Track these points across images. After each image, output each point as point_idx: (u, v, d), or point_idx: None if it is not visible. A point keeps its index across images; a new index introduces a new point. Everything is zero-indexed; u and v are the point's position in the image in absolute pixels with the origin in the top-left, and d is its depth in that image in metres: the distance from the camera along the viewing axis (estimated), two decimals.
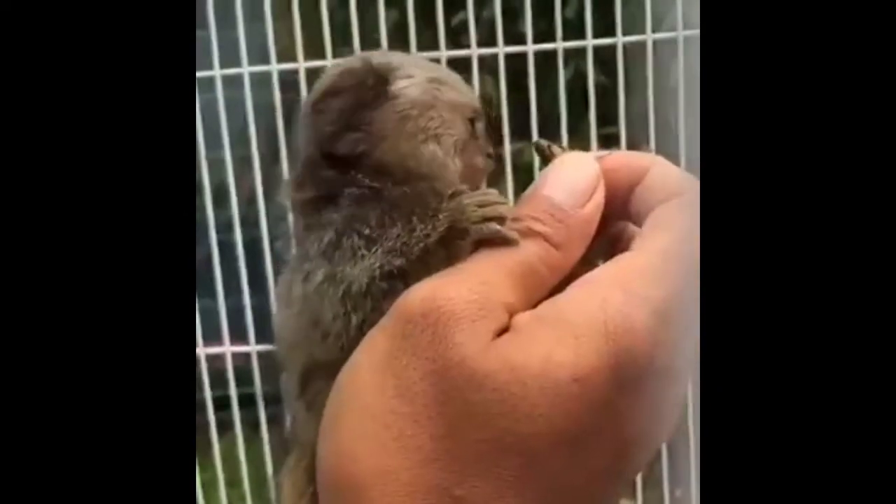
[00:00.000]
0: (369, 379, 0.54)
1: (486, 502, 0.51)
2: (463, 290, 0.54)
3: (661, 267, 0.54)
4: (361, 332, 0.58)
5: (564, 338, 0.51)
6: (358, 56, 0.66)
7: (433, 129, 0.61)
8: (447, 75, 0.65)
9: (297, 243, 0.64)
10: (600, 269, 0.55)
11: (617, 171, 0.60)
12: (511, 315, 0.54)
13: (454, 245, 0.57)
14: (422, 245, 0.57)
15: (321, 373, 0.61)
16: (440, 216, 0.57)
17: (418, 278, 0.57)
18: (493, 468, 0.51)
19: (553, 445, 0.51)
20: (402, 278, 0.58)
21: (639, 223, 0.59)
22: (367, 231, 0.59)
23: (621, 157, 0.62)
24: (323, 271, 0.60)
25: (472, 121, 0.64)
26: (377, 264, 0.58)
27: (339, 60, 0.68)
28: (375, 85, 0.62)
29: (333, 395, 0.57)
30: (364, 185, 0.60)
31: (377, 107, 0.61)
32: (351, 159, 0.61)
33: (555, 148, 0.63)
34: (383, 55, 0.67)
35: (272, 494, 1.79)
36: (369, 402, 0.53)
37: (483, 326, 0.53)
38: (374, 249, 0.58)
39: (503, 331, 0.53)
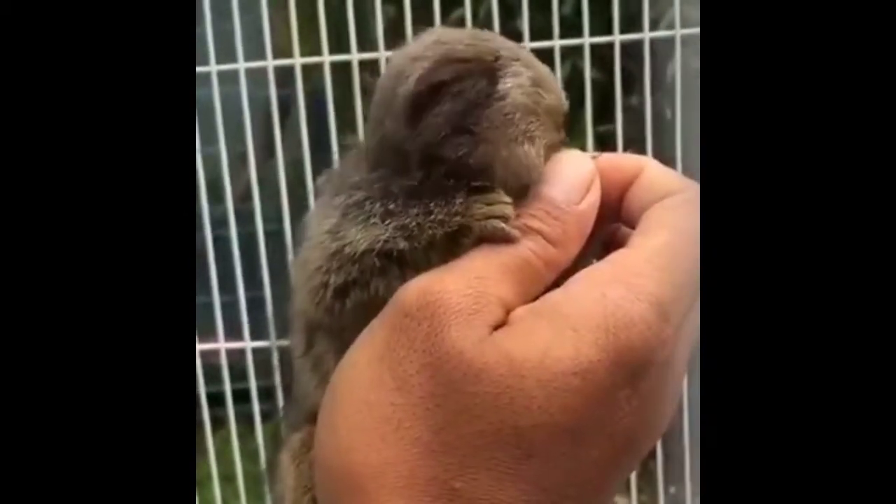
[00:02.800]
0: (367, 372, 0.54)
1: (485, 494, 0.51)
2: (459, 283, 0.54)
3: (660, 262, 0.54)
4: (338, 297, 0.58)
5: (563, 331, 0.52)
6: (464, 38, 0.63)
7: (531, 132, 0.60)
8: (546, 75, 0.64)
9: (335, 188, 0.63)
10: (598, 264, 0.56)
11: (609, 173, 0.60)
12: (507, 310, 0.55)
13: (457, 241, 0.57)
14: (430, 233, 0.57)
15: (321, 334, 0.61)
16: (457, 211, 0.57)
17: (415, 268, 0.57)
18: (491, 460, 0.51)
19: (552, 438, 0.51)
20: (398, 263, 0.58)
21: (632, 224, 0.59)
22: (391, 206, 0.59)
23: (613, 159, 0.62)
24: (332, 222, 0.60)
25: (561, 125, 0.64)
26: (382, 237, 0.58)
27: (440, 34, 0.64)
28: (487, 85, 0.60)
29: (331, 387, 0.57)
30: (435, 179, 0.59)
31: (485, 108, 0.59)
32: (446, 159, 0.59)
33: None
34: (487, 39, 0.63)
35: (266, 489, 1.80)
36: (367, 395, 0.54)
37: (479, 320, 0.53)
38: (387, 222, 0.58)
39: (499, 325, 0.54)
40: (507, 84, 0.60)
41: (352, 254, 0.58)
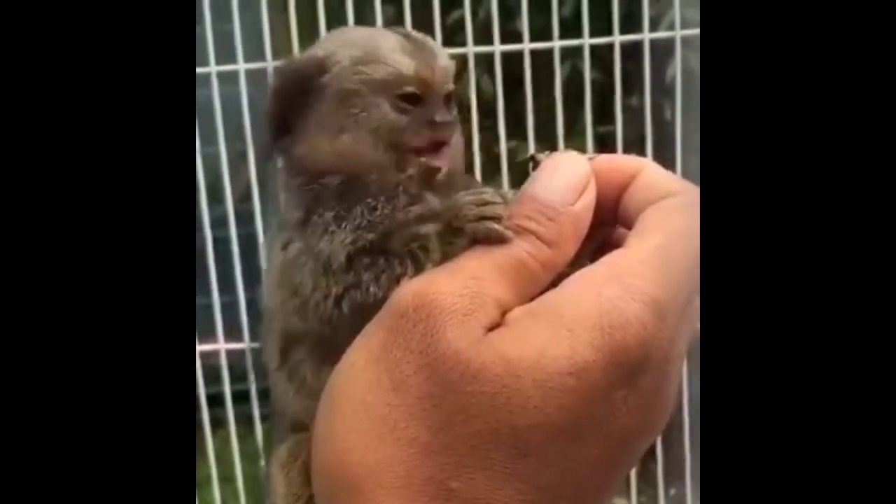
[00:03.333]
0: (364, 373, 0.54)
1: (482, 494, 0.51)
2: (454, 284, 0.54)
3: (656, 263, 0.54)
4: (339, 304, 0.58)
5: (559, 331, 0.52)
6: (321, 40, 0.67)
7: (352, 117, 0.62)
8: (378, 47, 0.63)
9: (281, 208, 0.65)
10: (594, 265, 0.56)
11: (606, 174, 0.60)
12: (503, 311, 0.55)
13: (450, 242, 0.57)
14: (386, 222, 0.59)
15: (301, 343, 0.61)
16: (402, 195, 0.59)
17: (399, 255, 0.58)
18: (488, 460, 0.51)
19: (549, 437, 0.51)
20: (381, 253, 0.59)
21: (629, 225, 0.59)
22: (331, 212, 0.61)
23: (610, 160, 0.62)
24: (298, 245, 0.61)
25: (410, 95, 0.63)
26: (348, 239, 0.59)
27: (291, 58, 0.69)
28: (311, 82, 0.62)
29: (328, 389, 0.57)
30: (307, 183, 0.62)
31: (313, 103, 0.62)
32: (286, 160, 0.63)
33: (540, 155, 0.62)
34: (324, 41, 0.66)
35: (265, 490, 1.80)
36: (364, 396, 0.54)
37: (475, 320, 0.53)
38: (343, 226, 0.60)
39: (495, 326, 0.54)
40: (331, 72, 0.62)
41: (340, 264, 0.60)
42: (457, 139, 0.66)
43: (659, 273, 0.53)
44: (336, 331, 0.59)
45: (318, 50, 0.64)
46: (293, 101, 0.62)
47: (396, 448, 0.52)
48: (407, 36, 0.65)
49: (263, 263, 0.67)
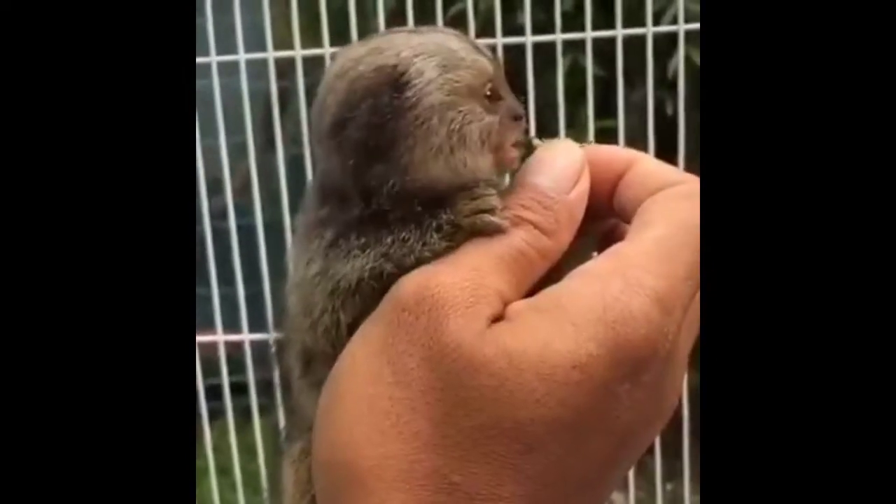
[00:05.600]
0: (365, 367, 0.54)
1: (484, 488, 0.51)
2: (456, 276, 0.54)
3: (658, 255, 0.54)
4: (351, 332, 0.57)
5: (562, 325, 0.51)
6: (364, 52, 0.60)
7: (457, 130, 0.58)
8: (455, 51, 0.60)
9: (306, 226, 0.63)
10: (597, 259, 0.55)
11: (598, 165, 0.60)
12: (504, 302, 0.54)
13: (450, 241, 0.57)
14: (414, 256, 0.57)
15: (320, 361, 0.60)
16: (435, 230, 0.57)
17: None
18: (491, 454, 0.51)
19: (552, 432, 0.51)
20: (396, 280, 0.58)
21: (625, 217, 0.59)
22: (363, 239, 0.58)
23: (602, 151, 0.61)
24: (318, 265, 0.59)
25: (490, 93, 0.60)
26: (368, 265, 0.58)
27: (342, 58, 0.61)
28: (391, 96, 0.57)
29: (328, 384, 0.57)
30: (381, 209, 0.58)
31: (398, 121, 0.57)
32: (377, 188, 0.58)
33: (536, 141, 0.62)
34: (386, 44, 0.60)
35: (263, 483, 1.80)
36: (366, 390, 0.53)
37: (477, 312, 0.53)
38: (367, 252, 0.58)
39: (497, 317, 0.53)
40: (415, 85, 0.58)
41: (348, 287, 0.58)
42: None
43: (663, 265, 0.53)
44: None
45: (377, 60, 0.59)
46: (375, 121, 0.57)
47: (398, 442, 0.52)
48: (457, 35, 0.62)
49: (290, 265, 0.64)
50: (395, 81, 0.58)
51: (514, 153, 0.61)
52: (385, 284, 0.56)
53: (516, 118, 0.61)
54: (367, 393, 0.53)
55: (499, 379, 0.50)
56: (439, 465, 0.51)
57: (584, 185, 0.58)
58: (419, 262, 0.56)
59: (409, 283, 0.54)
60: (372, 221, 0.58)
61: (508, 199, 0.57)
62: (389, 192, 0.58)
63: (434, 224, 0.57)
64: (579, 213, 0.58)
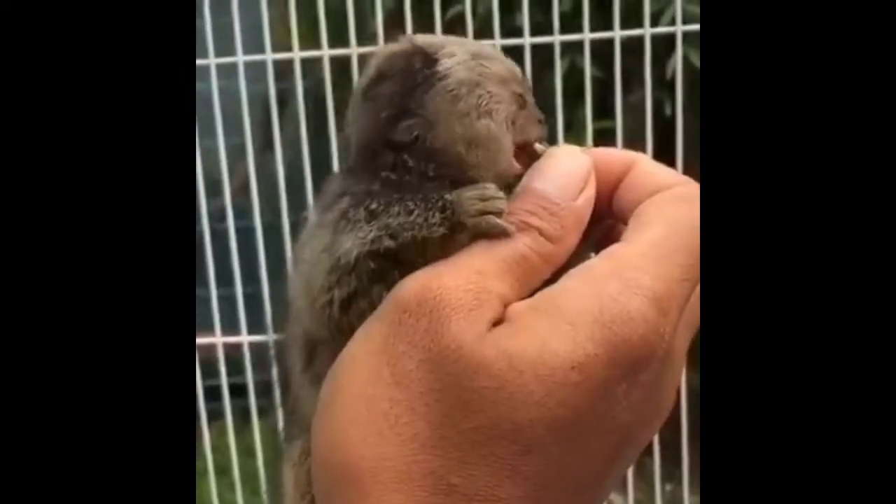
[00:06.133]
0: (365, 367, 0.54)
1: (483, 489, 0.51)
2: (459, 279, 0.54)
3: (655, 257, 0.54)
4: (345, 311, 0.57)
5: (560, 326, 0.51)
6: (404, 38, 0.64)
7: (484, 105, 0.60)
8: (489, 50, 0.64)
9: (322, 207, 0.63)
10: (593, 260, 0.55)
11: (599, 168, 0.60)
12: (505, 306, 0.54)
13: (452, 238, 0.57)
14: (412, 233, 0.57)
15: (323, 350, 0.60)
16: (439, 209, 0.57)
17: (412, 266, 0.56)
18: (489, 456, 0.51)
19: (550, 433, 0.51)
20: (393, 263, 0.57)
21: (623, 219, 0.59)
22: (373, 206, 0.59)
23: (603, 154, 0.62)
24: (326, 240, 0.60)
25: (520, 94, 0.63)
26: (368, 238, 0.58)
27: (386, 46, 0.66)
28: (423, 66, 0.60)
29: (327, 383, 0.56)
30: (410, 169, 0.59)
31: (428, 89, 0.60)
32: (406, 144, 0.59)
33: (539, 147, 0.62)
34: (425, 37, 0.64)
35: (262, 483, 1.80)
36: (364, 390, 0.53)
37: (479, 315, 0.53)
38: (371, 223, 0.58)
39: (498, 321, 0.53)
40: (446, 63, 0.61)
41: (347, 263, 0.58)
42: None
43: (660, 267, 0.53)
44: (345, 339, 0.58)
45: (413, 45, 0.63)
46: (407, 84, 0.60)
47: (397, 443, 0.52)
48: (480, 43, 0.66)
49: (299, 252, 0.64)
50: (428, 56, 0.61)
51: (539, 150, 0.62)
52: (382, 266, 0.56)
53: (539, 121, 0.63)
54: (365, 393, 0.53)
55: (499, 381, 0.51)
56: (437, 467, 0.51)
57: (590, 192, 0.58)
58: (416, 243, 0.56)
59: (412, 284, 0.54)
60: (387, 189, 0.59)
61: (514, 204, 0.57)
62: (415, 147, 0.59)
63: (440, 204, 0.57)
64: (584, 219, 0.58)
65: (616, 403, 0.52)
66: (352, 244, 0.57)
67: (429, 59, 0.61)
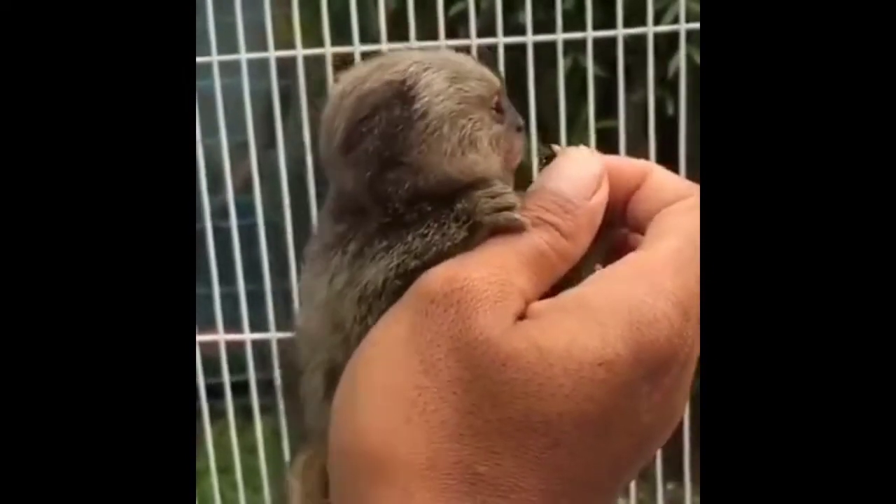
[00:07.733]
0: (390, 354, 0.54)
1: (508, 480, 0.51)
2: (483, 272, 0.55)
3: (676, 265, 0.55)
4: None
5: (589, 324, 0.52)
6: (369, 70, 0.62)
7: (467, 136, 0.60)
8: (463, 65, 0.63)
9: (324, 247, 0.63)
10: (617, 264, 0.56)
11: (613, 175, 0.61)
12: (526, 301, 0.55)
13: (472, 240, 0.58)
14: (436, 248, 0.58)
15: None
16: (453, 221, 0.58)
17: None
18: (517, 447, 0.51)
19: (578, 427, 0.52)
20: (417, 277, 0.58)
21: (638, 228, 0.60)
22: (385, 242, 0.59)
23: (618, 162, 0.63)
24: (344, 277, 0.60)
25: (500, 108, 0.63)
26: (393, 263, 0.58)
27: (346, 79, 0.63)
28: (401, 109, 0.59)
29: (348, 371, 0.57)
30: (399, 213, 0.59)
31: (408, 132, 0.59)
32: (396, 193, 0.59)
33: (556, 148, 0.63)
34: (398, 62, 0.62)
35: (264, 482, 1.80)
36: (390, 377, 0.54)
37: (504, 308, 0.53)
38: (391, 252, 0.59)
39: (521, 316, 0.54)
40: (423, 99, 0.60)
41: (375, 289, 0.59)
42: None
43: (680, 274, 0.54)
44: None
45: (384, 76, 0.61)
46: (388, 132, 0.59)
47: (424, 430, 0.52)
48: (458, 49, 0.65)
49: (305, 293, 0.64)
50: (404, 94, 0.60)
51: (519, 157, 0.63)
52: (410, 281, 0.57)
53: (518, 129, 0.64)
54: (391, 381, 0.53)
55: (528, 373, 0.51)
56: (465, 456, 0.51)
57: (603, 193, 0.60)
58: (441, 255, 0.57)
59: (437, 276, 0.55)
60: (392, 226, 0.59)
61: (529, 201, 0.58)
62: (404, 195, 0.59)
63: (452, 215, 0.58)
64: (598, 220, 0.59)
65: (640, 404, 0.52)
66: (377, 272, 0.58)
67: (406, 97, 0.60)
